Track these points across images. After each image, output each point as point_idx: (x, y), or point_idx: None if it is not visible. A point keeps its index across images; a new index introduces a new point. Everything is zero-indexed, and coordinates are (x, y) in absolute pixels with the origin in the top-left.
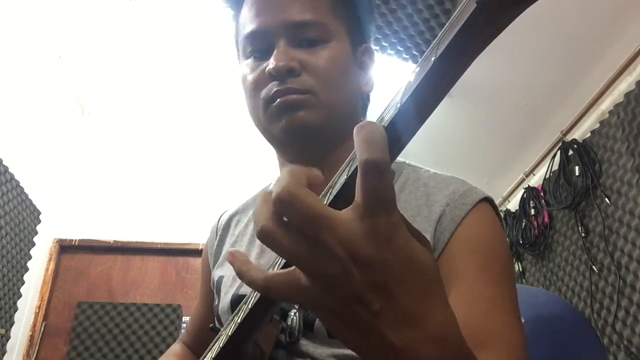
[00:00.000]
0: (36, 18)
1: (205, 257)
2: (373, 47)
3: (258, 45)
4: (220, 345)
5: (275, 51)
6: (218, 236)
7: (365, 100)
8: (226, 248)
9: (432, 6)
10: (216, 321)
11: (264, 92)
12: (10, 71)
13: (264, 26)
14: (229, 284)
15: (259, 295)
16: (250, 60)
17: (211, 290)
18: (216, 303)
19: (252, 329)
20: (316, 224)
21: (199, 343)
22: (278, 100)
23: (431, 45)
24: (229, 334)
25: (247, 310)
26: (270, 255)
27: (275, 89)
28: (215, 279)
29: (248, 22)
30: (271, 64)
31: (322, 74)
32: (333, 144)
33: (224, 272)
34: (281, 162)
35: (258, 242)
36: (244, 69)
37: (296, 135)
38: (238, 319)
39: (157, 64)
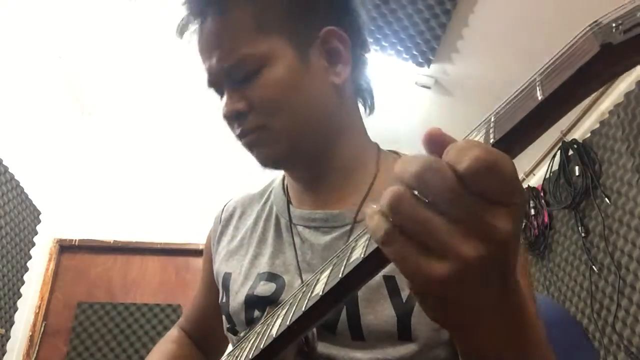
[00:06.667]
0: (36, 18)
1: (208, 246)
2: (368, 39)
3: (213, 86)
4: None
5: (224, 96)
6: (220, 226)
7: (347, 90)
8: (226, 240)
9: (432, 6)
10: (225, 320)
11: (233, 131)
12: (11, 71)
13: (208, 70)
14: (240, 283)
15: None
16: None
17: (214, 282)
18: (224, 300)
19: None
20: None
21: (198, 334)
22: (241, 140)
23: (534, 77)
24: (260, 346)
25: (297, 315)
26: (288, 254)
27: (236, 132)
28: (221, 275)
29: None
30: (222, 110)
31: (266, 105)
32: (324, 156)
33: (231, 268)
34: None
35: (270, 240)
36: None
37: (271, 167)
38: (275, 329)
39: (158, 64)
